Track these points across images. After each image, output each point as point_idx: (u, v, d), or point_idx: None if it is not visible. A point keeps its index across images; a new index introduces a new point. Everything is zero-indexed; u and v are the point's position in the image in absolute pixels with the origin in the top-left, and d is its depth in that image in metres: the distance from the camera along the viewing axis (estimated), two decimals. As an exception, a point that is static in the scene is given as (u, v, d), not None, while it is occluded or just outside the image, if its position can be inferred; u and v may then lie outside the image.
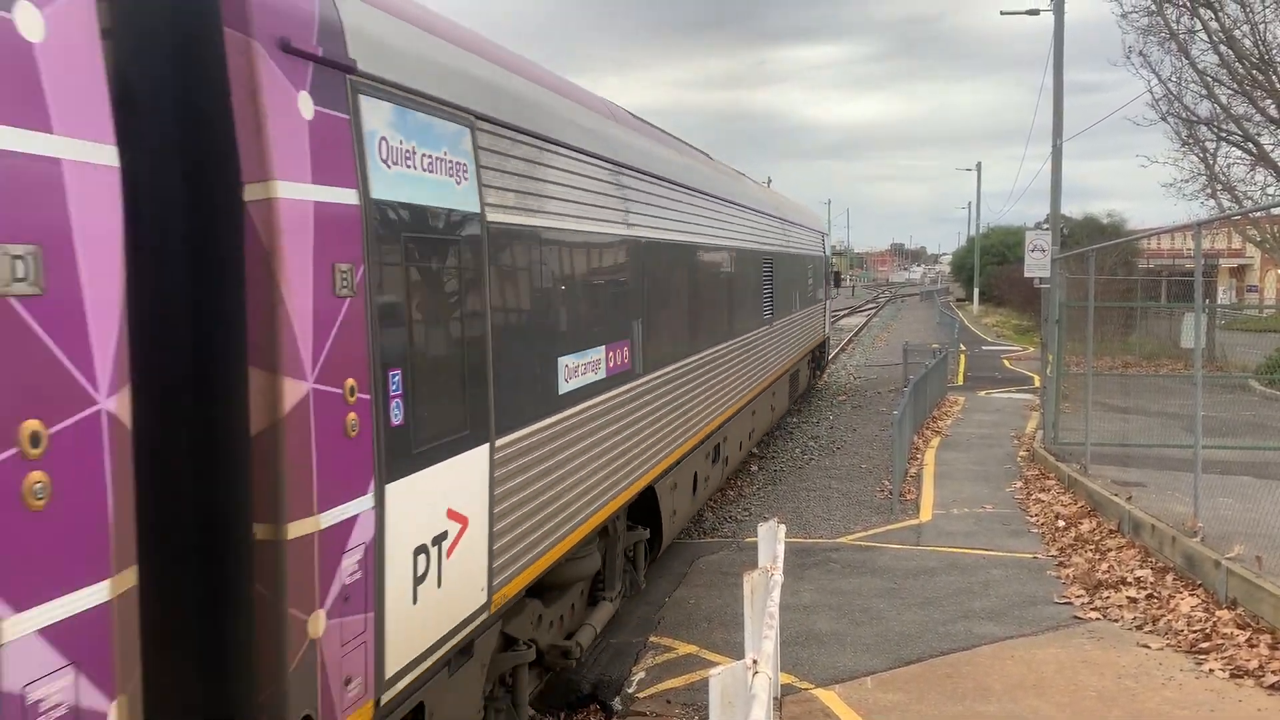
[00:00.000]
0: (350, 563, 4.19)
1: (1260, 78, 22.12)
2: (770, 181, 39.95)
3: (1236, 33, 22.20)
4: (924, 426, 19.76)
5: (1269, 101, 22.44)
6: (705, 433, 11.34)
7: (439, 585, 4.95)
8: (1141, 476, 13.16)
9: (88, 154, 3.03)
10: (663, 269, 9.63)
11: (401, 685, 4.63)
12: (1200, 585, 9.27)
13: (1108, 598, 9.39)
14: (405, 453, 4.57)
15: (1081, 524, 11.90)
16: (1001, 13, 25.28)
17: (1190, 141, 26.48)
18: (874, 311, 69.08)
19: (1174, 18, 23.20)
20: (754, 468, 16.87)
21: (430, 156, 4.92)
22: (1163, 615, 8.81)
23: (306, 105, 4.00)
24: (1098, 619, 8.95)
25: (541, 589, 7.01)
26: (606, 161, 7.96)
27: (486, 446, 5.41)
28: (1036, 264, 20.34)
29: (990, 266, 69.63)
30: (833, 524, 12.84)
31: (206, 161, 3.80)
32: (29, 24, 2.84)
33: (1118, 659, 8.00)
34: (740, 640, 7.71)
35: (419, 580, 4.76)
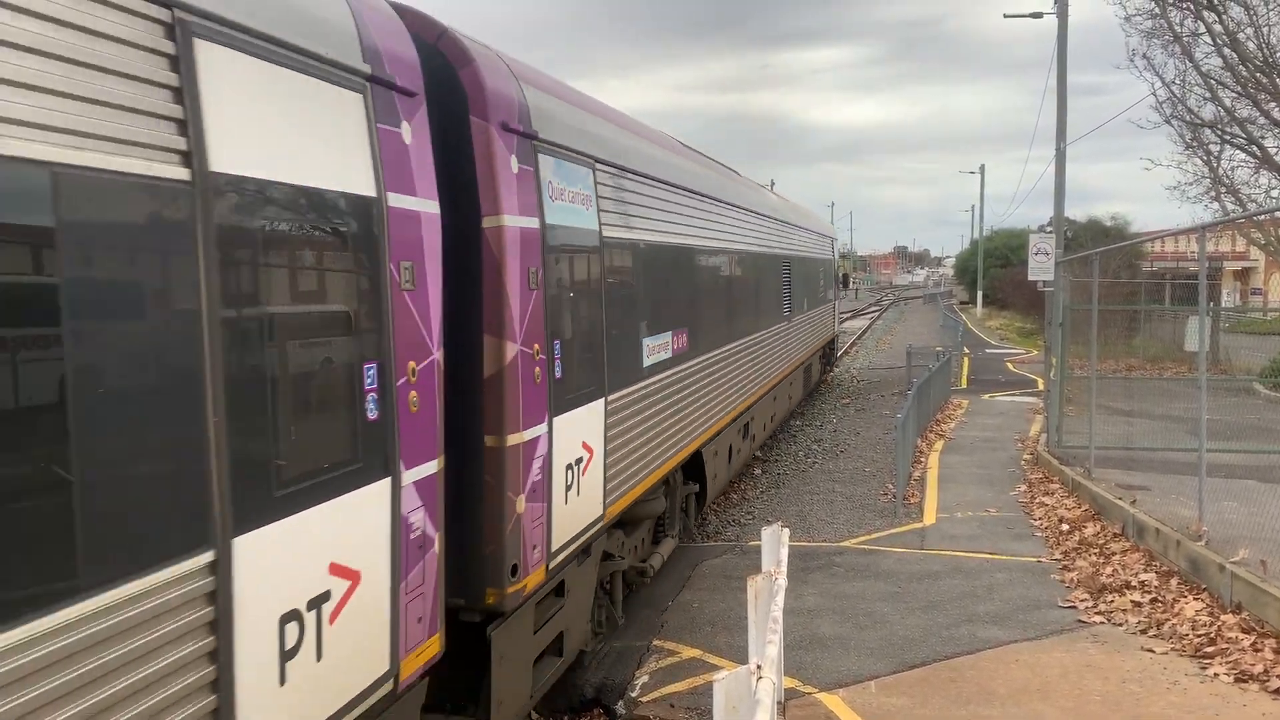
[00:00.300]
0: (536, 467, 6.21)
1: (1264, 80, 22.07)
2: (773, 184, 40.20)
3: (1240, 35, 22.17)
4: (928, 430, 19.74)
5: (1273, 104, 22.39)
6: (738, 411, 13.41)
7: (578, 494, 7.01)
8: (1146, 480, 13.13)
9: (429, 207, 5.02)
10: (708, 270, 11.65)
11: (558, 560, 6.66)
12: (1205, 589, 9.25)
13: (1112, 601, 9.36)
14: (562, 397, 6.65)
15: (1086, 528, 11.87)
16: (1005, 15, 25.24)
17: (1194, 144, 26.48)
18: (877, 315, 69.01)
19: (1177, 20, 23.17)
20: (757, 471, 16.86)
21: (571, 191, 7.02)
22: (1167, 619, 8.79)
23: (514, 164, 6.08)
24: (1102, 623, 8.93)
25: (624, 523, 8.85)
26: (670, 185, 9.99)
27: (603, 400, 7.50)
28: (1040, 267, 20.33)
29: (994, 269, 69.54)
30: (836, 527, 12.82)
31: (464, 204, 5.78)
32: (405, 133, 4.85)
33: (1122, 663, 7.98)
34: (743, 644, 7.70)
35: (568, 488, 6.83)
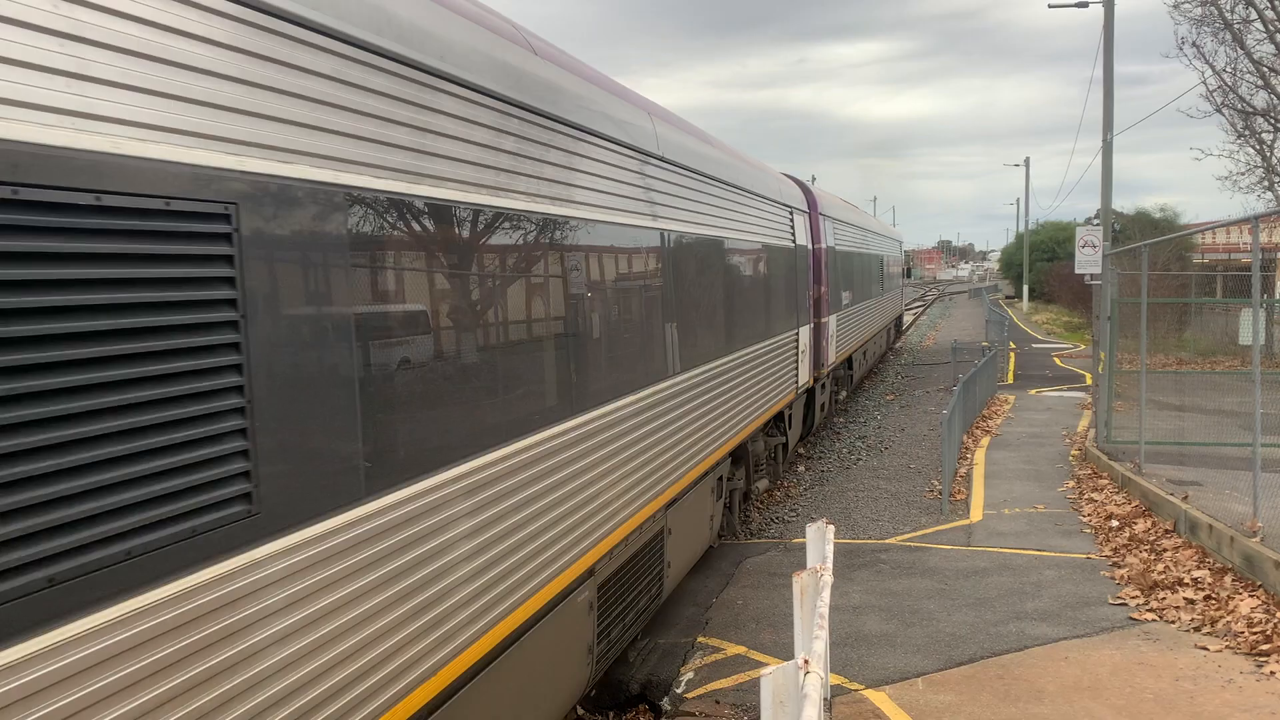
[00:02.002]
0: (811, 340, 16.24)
1: (1318, 67, 21.59)
2: (815, 179, 40.59)
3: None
4: (973, 426, 19.55)
5: (1328, 91, 21.90)
6: (847, 355, 21.21)
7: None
8: (1198, 476, 12.91)
9: (810, 245, 16.75)
10: (848, 259, 21.87)
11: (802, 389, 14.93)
12: (1260, 586, 9.08)
13: (1164, 599, 9.22)
14: (819, 314, 17.22)
15: (1136, 524, 11.70)
16: (1050, 5, 24.93)
17: (1246, 133, 25.99)
18: (921, 310, 68.36)
19: (1228, 7, 22.73)
20: (801, 468, 16.80)
21: (835, 226, 19.80)
22: (1221, 617, 8.64)
23: (806, 223, 16.63)
24: (1154, 620, 8.80)
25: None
26: (856, 226, 24.00)
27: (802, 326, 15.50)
28: (1088, 260, 20.05)
29: (1040, 263, 68.65)
30: (881, 525, 12.75)
31: (807, 241, 16.32)
32: (799, 221, 15.66)
33: (1175, 661, 7.87)
34: (788, 641, 7.70)
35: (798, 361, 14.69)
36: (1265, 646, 7.91)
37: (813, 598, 5.58)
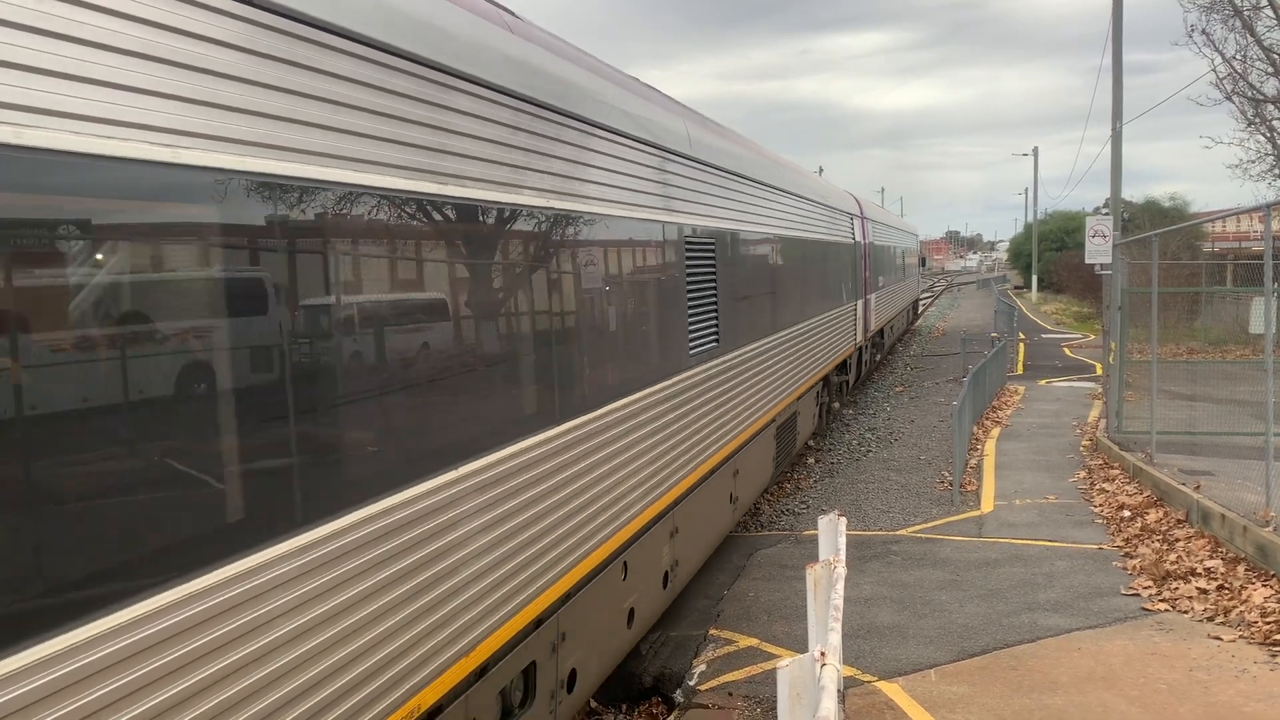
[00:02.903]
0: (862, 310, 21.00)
1: (1330, 53, 21.45)
2: (821, 171, 40.98)
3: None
4: (983, 416, 19.51)
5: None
6: (881, 326, 26.73)
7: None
8: (1210, 465, 12.87)
9: (860, 241, 22.43)
10: (881, 252, 27.40)
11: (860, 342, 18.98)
12: (1274, 576, 9.06)
13: (1177, 589, 9.21)
14: (865, 292, 22.71)
15: (1148, 514, 11.67)
16: (1058, -6, 24.80)
17: (1256, 121, 25.84)
18: (930, 300, 68.17)
19: (1238, -6, 22.59)
20: (810, 460, 16.79)
21: (873, 226, 25.99)
22: (1235, 607, 8.62)
23: (859, 225, 22.66)
24: (1167, 610, 8.79)
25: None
26: (888, 226, 31.99)
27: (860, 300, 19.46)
28: (1097, 250, 19.98)
29: (1049, 253, 68.37)
30: (892, 516, 12.74)
31: (860, 239, 22.54)
32: (856, 225, 22.18)
33: (1188, 651, 7.86)
34: (800, 633, 7.71)
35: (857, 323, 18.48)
36: (1278, 636, 7.89)
37: (826, 590, 5.59)
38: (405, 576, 4.06)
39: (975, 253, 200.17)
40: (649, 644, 8.65)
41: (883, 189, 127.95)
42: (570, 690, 5.97)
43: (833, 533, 7.13)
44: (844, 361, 19.62)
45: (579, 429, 5.96)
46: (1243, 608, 8.55)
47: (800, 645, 7.56)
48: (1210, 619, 8.51)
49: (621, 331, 7.10)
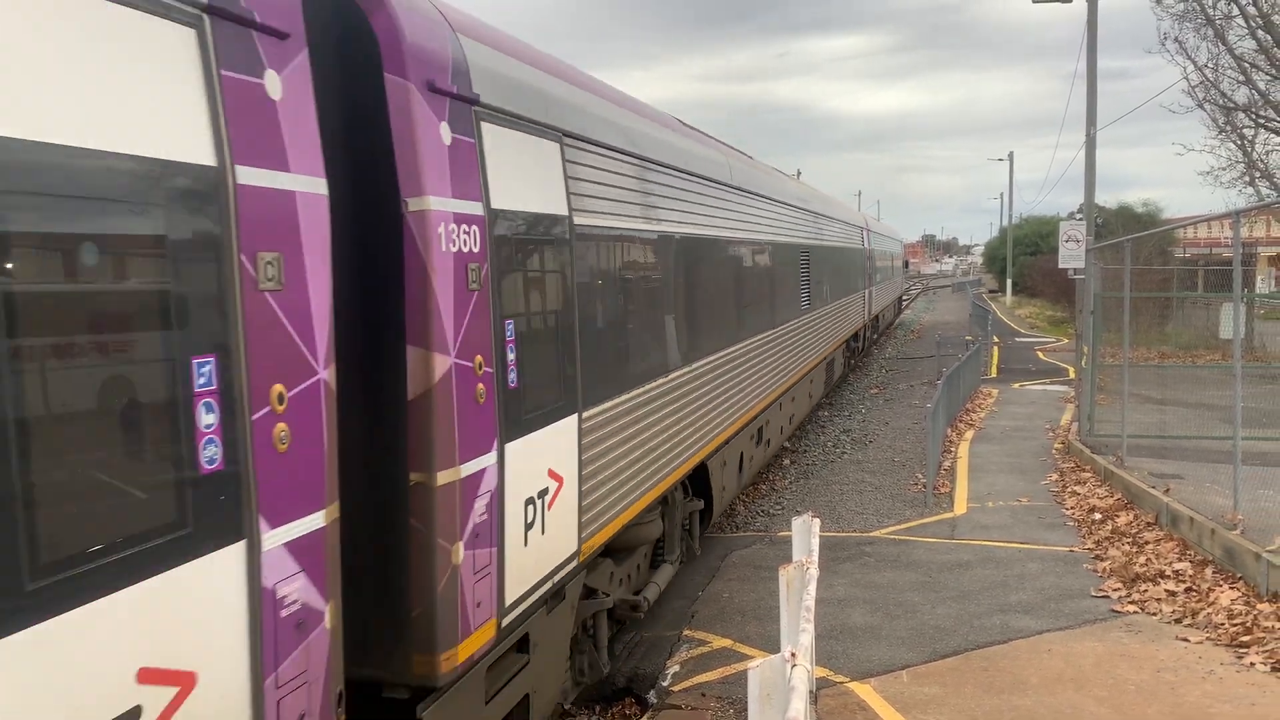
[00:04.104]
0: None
1: (1299, 63, 21.73)
2: (800, 174, 41.13)
3: (1275, 18, 21.84)
4: (958, 419, 19.64)
5: (1308, 87, 22.05)
6: (877, 313, 32.62)
7: (543, 532, 5.86)
8: (1179, 469, 13.01)
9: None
10: (875, 255, 31.97)
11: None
12: (1240, 578, 9.17)
13: (1146, 591, 9.30)
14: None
15: (1118, 517, 11.79)
16: (1034, 0, 24.95)
17: (1228, 129, 26.15)
18: (906, 304, 68.49)
19: (1210, 3, 22.85)
20: (786, 461, 16.85)
21: (873, 236, 32.91)
22: (1202, 609, 8.72)
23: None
24: (1136, 612, 8.88)
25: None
26: (881, 235, 38.04)
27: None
28: (1071, 255, 20.10)
29: (1023, 257, 68.80)
30: (866, 518, 12.80)
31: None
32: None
33: (1157, 652, 7.94)
34: (774, 633, 7.72)
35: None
36: (1245, 638, 7.99)
37: (799, 591, 5.61)
38: (675, 413, 8.71)
39: (951, 256, 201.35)
40: (623, 644, 8.65)
41: (859, 192, 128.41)
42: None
43: (806, 534, 7.15)
44: (856, 333, 26.46)
45: (748, 347, 12.03)
46: (1210, 610, 8.65)
47: (774, 646, 7.57)
48: (1178, 621, 8.60)
49: (773, 293, 14.03)
